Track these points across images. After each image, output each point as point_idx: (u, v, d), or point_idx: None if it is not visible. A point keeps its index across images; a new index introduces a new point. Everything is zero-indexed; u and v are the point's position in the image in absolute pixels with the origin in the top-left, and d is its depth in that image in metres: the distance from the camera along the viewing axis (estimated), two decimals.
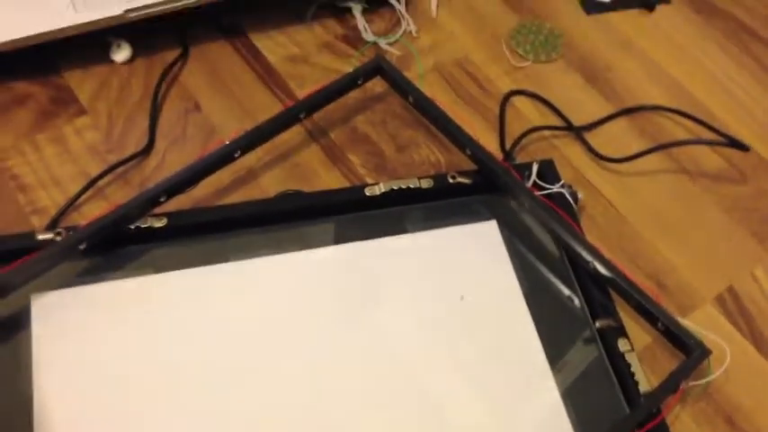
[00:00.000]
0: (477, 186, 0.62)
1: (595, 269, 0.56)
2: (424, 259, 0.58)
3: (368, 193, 0.60)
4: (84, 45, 0.66)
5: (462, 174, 0.62)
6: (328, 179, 0.63)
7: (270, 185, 0.62)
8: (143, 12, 0.64)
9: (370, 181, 0.63)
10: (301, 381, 0.52)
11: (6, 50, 0.62)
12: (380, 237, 0.59)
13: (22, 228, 0.57)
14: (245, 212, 0.58)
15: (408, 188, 0.60)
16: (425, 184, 0.60)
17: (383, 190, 0.60)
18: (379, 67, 0.65)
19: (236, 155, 0.59)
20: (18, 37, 0.62)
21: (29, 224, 0.57)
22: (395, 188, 0.60)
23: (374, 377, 0.52)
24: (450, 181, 0.61)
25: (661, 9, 0.80)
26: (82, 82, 0.66)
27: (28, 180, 0.60)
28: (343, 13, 0.74)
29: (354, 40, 0.73)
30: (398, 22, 0.74)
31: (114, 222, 0.54)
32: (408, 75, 0.66)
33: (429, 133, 0.66)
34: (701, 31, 0.78)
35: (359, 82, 0.65)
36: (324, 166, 0.64)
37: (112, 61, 0.68)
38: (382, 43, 0.73)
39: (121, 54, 0.68)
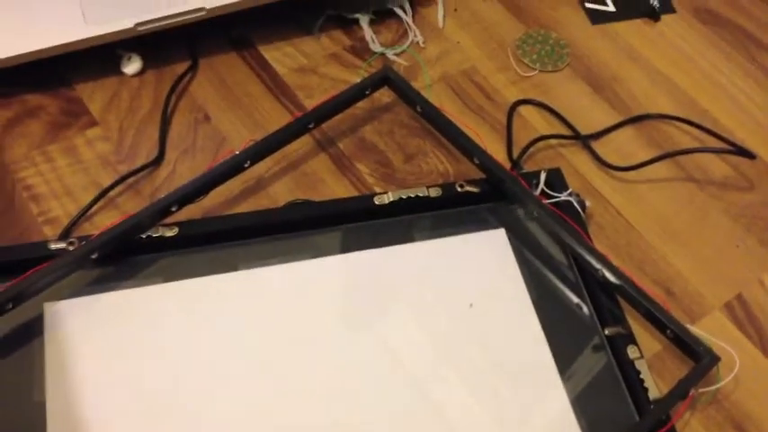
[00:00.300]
0: (485, 195, 0.62)
1: (604, 277, 0.56)
2: (432, 268, 0.59)
3: (376, 202, 0.60)
4: (95, 58, 0.67)
5: (470, 182, 0.62)
6: (337, 188, 0.63)
7: (279, 195, 0.62)
8: (153, 25, 0.65)
9: (378, 190, 0.63)
10: (310, 389, 0.52)
11: (18, 63, 0.63)
12: (389, 245, 0.59)
13: (34, 237, 0.58)
14: (254, 222, 0.59)
15: (417, 197, 0.60)
16: (434, 192, 0.61)
17: (392, 199, 0.60)
18: (386, 78, 0.66)
19: (246, 165, 0.59)
20: (30, 50, 0.63)
21: (41, 234, 0.58)
22: (403, 197, 0.60)
23: (382, 385, 0.53)
24: (459, 190, 0.61)
25: (666, 18, 0.80)
26: (93, 94, 0.67)
27: (40, 190, 0.61)
28: (350, 25, 0.75)
29: (362, 51, 0.73)
30: (405, 33, 0.75)
31: (126, 232, 0.54)
32: (416, 85, 0.67)
33: (437, 142, 0.67)
34: (707, 40, 0.79)
35: (366, 92, 0.65)
36: (332, 176, 0.64)
37: (123, 73, 0.69)
38: (389, 54, 0.73)
39: (132, 66, 0.68)
